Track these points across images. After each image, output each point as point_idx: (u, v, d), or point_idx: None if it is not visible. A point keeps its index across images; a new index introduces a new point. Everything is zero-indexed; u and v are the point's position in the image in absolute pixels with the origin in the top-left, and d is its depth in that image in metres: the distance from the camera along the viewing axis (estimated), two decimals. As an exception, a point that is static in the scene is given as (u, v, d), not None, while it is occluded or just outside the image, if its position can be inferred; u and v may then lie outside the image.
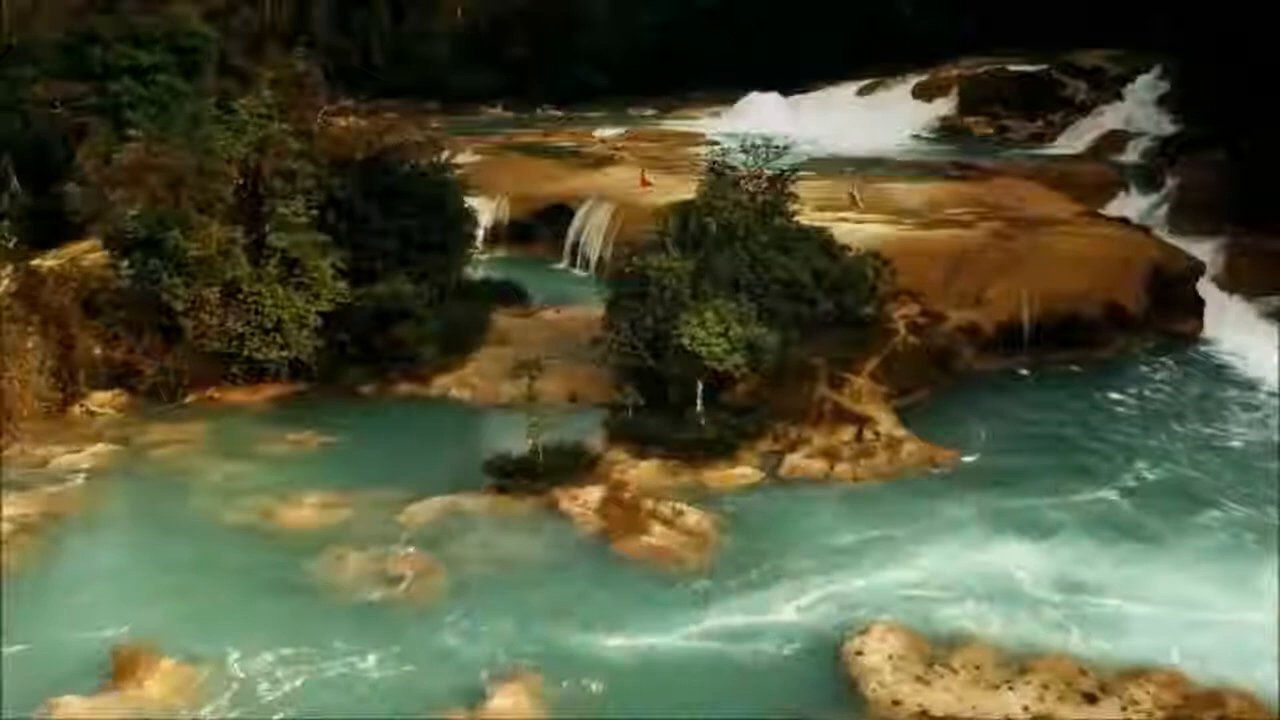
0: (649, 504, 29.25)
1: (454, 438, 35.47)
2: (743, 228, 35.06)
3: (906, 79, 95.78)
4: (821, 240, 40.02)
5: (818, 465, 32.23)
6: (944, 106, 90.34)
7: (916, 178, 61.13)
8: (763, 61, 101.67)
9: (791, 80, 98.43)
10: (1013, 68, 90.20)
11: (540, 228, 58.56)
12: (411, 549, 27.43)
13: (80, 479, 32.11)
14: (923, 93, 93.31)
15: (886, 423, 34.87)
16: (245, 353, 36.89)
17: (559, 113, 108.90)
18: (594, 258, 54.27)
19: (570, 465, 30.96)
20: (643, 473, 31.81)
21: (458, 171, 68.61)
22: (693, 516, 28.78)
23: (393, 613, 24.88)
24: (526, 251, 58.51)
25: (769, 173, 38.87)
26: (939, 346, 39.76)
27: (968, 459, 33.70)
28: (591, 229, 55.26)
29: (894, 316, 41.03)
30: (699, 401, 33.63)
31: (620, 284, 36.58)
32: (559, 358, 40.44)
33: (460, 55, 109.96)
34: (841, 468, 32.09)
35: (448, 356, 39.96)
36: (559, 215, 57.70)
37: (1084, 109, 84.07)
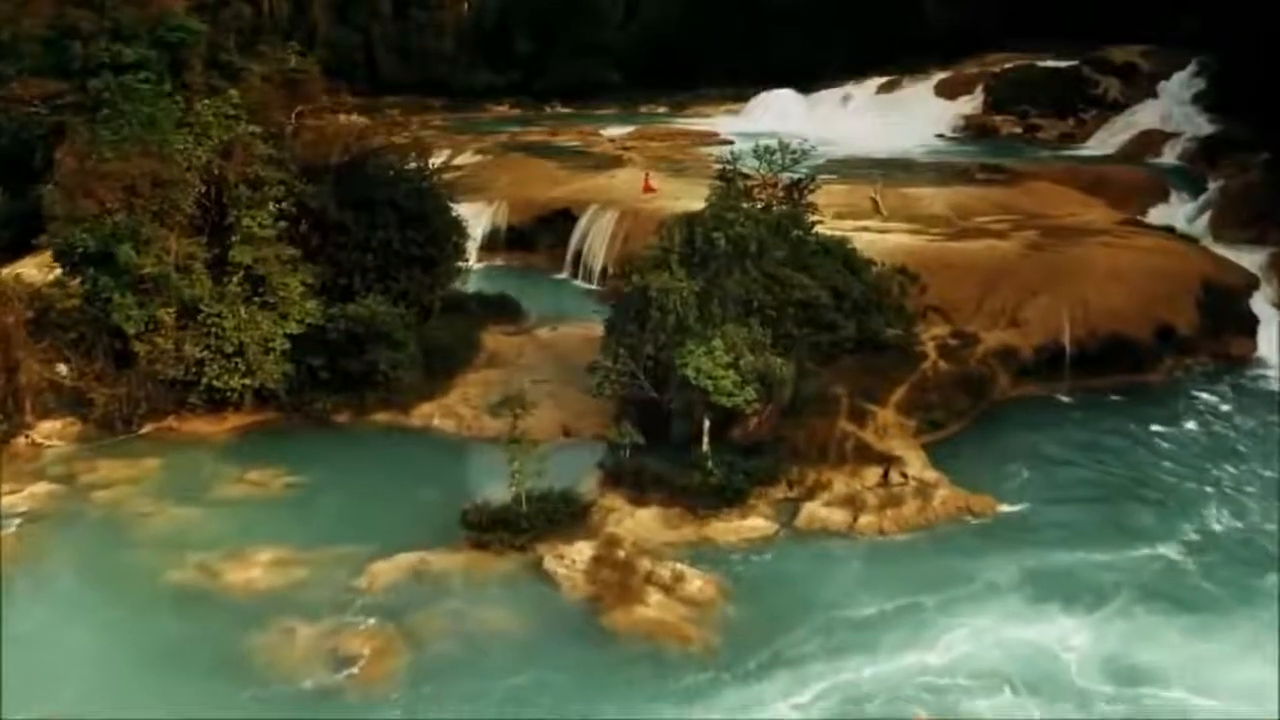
0: (646, 565, 25.61)
1: (433, 477, 31.87)
2: (756, 243, 31.35)
3: (929, 76, 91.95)
4: (843, 254, 36.35)
5: (839, 516, 28.52)
6: (969, 105, 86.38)
7: (942, 181, 57.27)
8: (779, 57, 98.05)
9: (809, 76, 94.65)
10: (1041, 64, 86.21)
11: (540, 235, 54.95)
12: (370, 620, 23.81)
13: (13, 526, 28.66)
14: (946, 90, 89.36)
15: (916, 463, 31.14)
16: (205, 380, 33.30)
17: (567, 110, 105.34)
18: (596, 268, 50.69)
19: (558, 516, 27.34)
20: (640, 524, 28.14)
21: (455, 174, 65.48)
22: (695, 581, 25.12)
23: (339, 703, 21.29)
24: (525, 260, 54.96)
25: (785, 180, 35.15)
26: (972, 373, 35.96)
27: (1006, 508, 29.90)
28: (595, 237, 51.65)
29: (922, 338, 37.35)
30: (705, 440, 29.99)
31: (619, 305, 32.84)
32: (553, 383, 36.96)
33: (466, 50, 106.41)
34: (866, 519, 28.36)
35: (431, 382, 36.48)
36: (561, 222, 54.11)
37: (1117, 107, 79.99)
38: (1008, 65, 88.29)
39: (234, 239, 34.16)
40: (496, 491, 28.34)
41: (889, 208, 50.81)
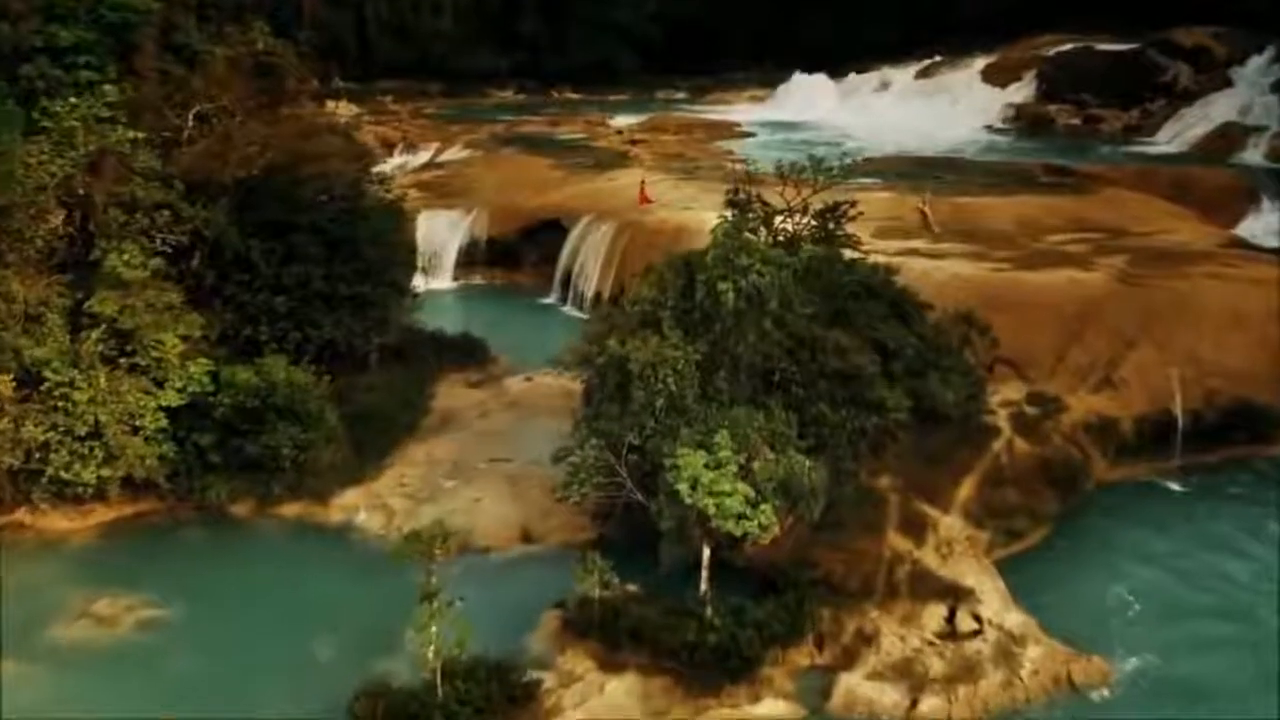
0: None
1: (338, 612, 23.62)
2: (777, 296, 22.98)
3: (974, 60, 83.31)
4: (891, 297, 28.02)
5: (890, 696, 20.22)
6: (1020, 92, 77.76)
7: (1001, 186, 48.61)
8: (809, 38, 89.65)
9: (841, 60, 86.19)
10: (1099, 47, 77.36)
11: (526, 249, 46.93)
12: None
13: None
14: (994, 76, 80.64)
15: (993, 598, 22.87)
16: (51, 470, 25.29)
17: (577, 95, 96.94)
18: (589, 292, 42.55)
19: (490, 703, 19.12)
20: (611, 706, 19.96)
21: (435, 173, 57.48)
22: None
23: None
24: (509, 278, 46.98)
25: (816, 202, 26.87)
26: (1059, 457, 27.57)
27: (1123, 667, 21.56)
28: (587, 254, 43.49)
29: (992, 404, 29.00)
30: (704, 575, 21.80)
31: (593, 373, 24.65)
32: (518, 462, 28.86)
33: (467, 30, 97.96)
34: (930, 703, 20.04)
35: (360, 459, 28.50)
36: (549, 234, 45.96)
37: (1187, 97, 71.28)
38: (1062, 48, 79.67)
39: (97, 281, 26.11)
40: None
41: (940, 220, 42.36)
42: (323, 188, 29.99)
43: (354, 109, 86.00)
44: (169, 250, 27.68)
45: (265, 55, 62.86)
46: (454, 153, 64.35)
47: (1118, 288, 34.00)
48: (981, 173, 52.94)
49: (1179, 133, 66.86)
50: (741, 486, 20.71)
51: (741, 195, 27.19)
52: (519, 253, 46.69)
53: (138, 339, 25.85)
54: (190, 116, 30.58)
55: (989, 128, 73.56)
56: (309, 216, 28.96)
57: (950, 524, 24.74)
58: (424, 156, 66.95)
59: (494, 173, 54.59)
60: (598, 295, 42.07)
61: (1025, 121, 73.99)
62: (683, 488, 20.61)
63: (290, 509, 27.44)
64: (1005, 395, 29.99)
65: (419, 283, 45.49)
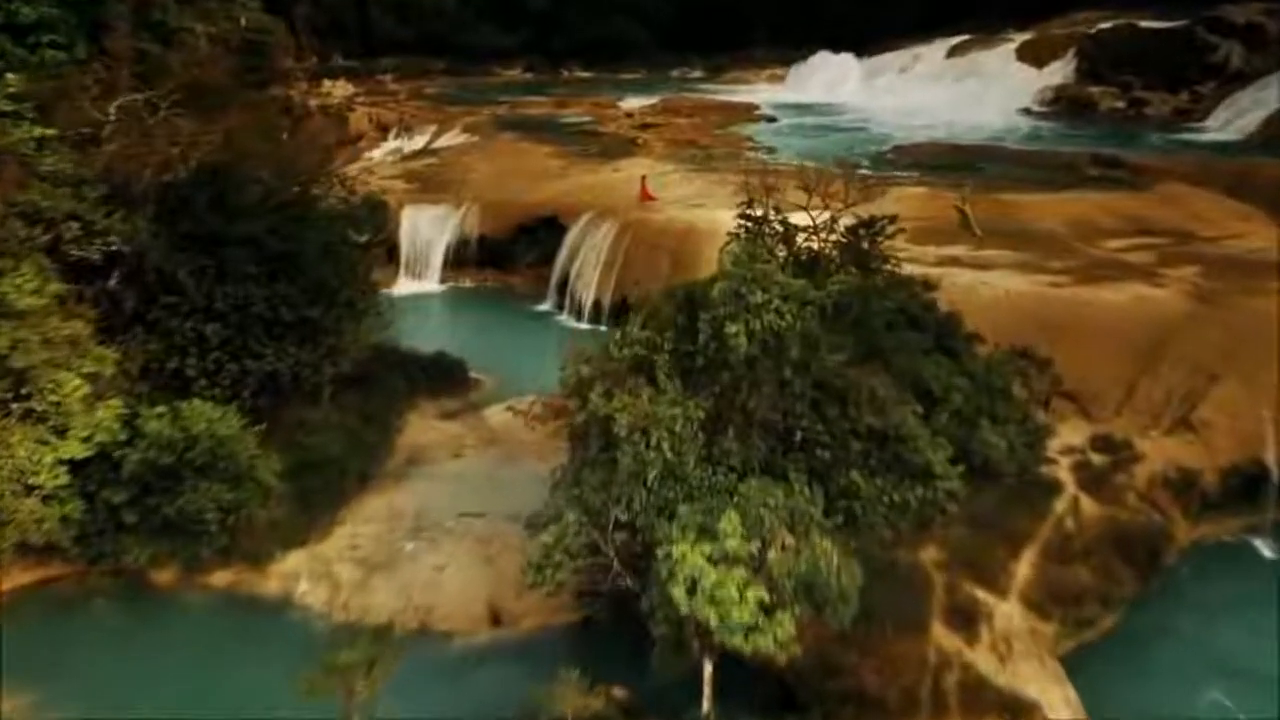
0: None
1: (265, 714, 19.43)
2: (799, 338, 18.51)
3: (1008, 37, 78.54)
4: (934, 325, 23.54)
5: None
6: (1059, 73, 72.95)
7: (1048, 181, 43.96)
8: (833, 14, 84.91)
9: (867, 37, 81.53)
10: (1144, 24, 72.40)
11: (520, 249, 42.45)
12: None
13: None
14: (1030, 55, 75.89)
15: (1061, 710, 18.45)
16: (-76, 535, 21.15)
17: (587, 74, 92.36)
18: (587, 301, 38.12)
19: None
20: None
21: (428, 161, 53.02)
22: None
23: None
24: (502, 280, 42.54)
25: (845, 217, 22.32)
26: (1137, 522, 23.00)
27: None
28: (586, 257, 39.01)
29: (1050, 450, 24.47)
30: (706, 694, 17.43)
31: (572, 436, 20.25)
32: (490, 515, 24.51)
33: (471, 6, 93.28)
34: None
35: (306, 514, 24.14)
36: (546, 233, 41.47)
37: (1240, 78, 66.32)
38: (1103, 26, 74.90)
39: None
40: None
41: (982, 221, 37.68)
42: (265, 193, 25.51)
43: (351, 88, 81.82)
44: (82, 269, 23.31)
45: (252, 33, 58.37)
46: (451, 137, 59.99)
47: (1193, 308, 29.30)
48: (1024, 164, 48.21)
49: (1232, 118, 62.03)
50: (753, 589, 16.32)
51: (756, 208, 22.52)
52: (513, 252, 42.29)
53: (32, 380, 21.53)
54: (112, 109, 26.03)
55: (1026, 111, 68.80)
56: (246, 227, 24.50)
57: (1008, 613, 20.27)
58: (420, 140, 62.64)
59: (490, 161, 50.20)
60: (596, 304, 37.75)
61: (1065, 104, 69.18)
62: (678, 592, 16.24)
63: (220, 577, 23.15)
64: (1065, 439, 25.46)
65: (401, 286, 41.66)
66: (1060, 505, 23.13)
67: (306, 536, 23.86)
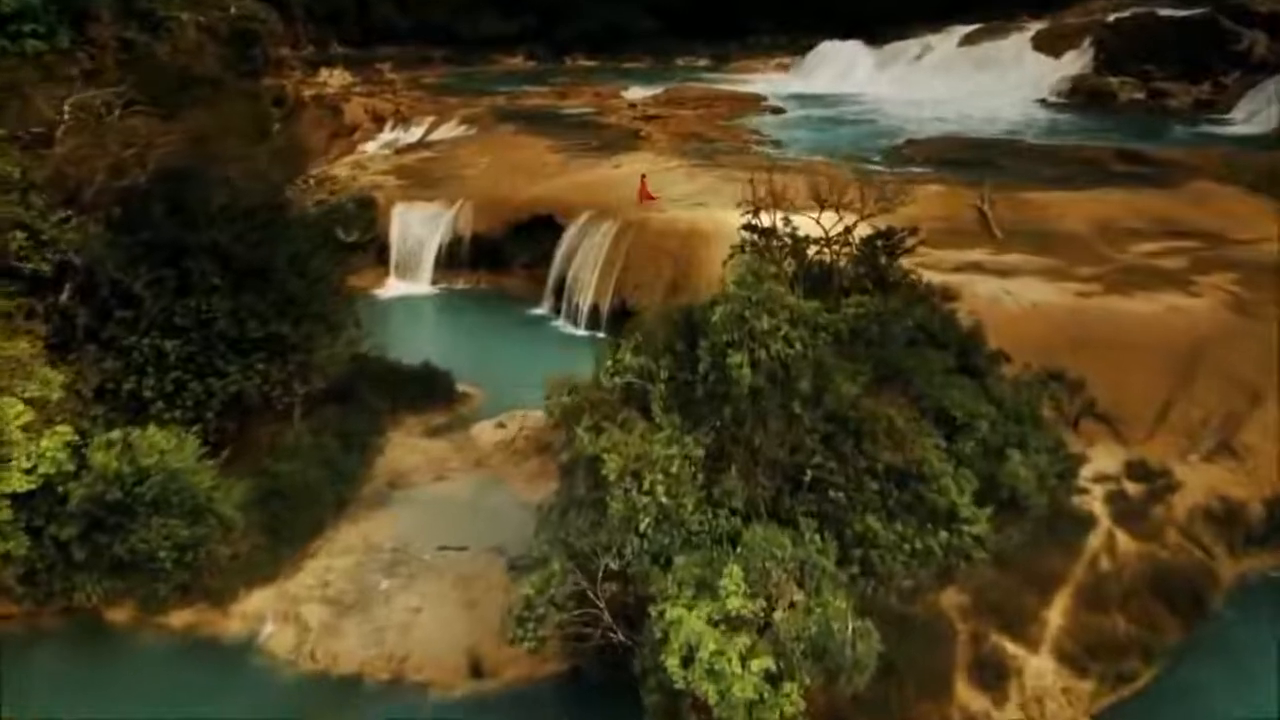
0: None
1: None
2: (811, 368, 16.56)
3: (1023, 26, 76.32)
4: (958, 342, 21.56)
5: None
6: (1076, 63, 70.63)
7: (1069, 178, 41.86)
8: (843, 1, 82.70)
9: (878, 25, 79.31)
10: (1164, 12, 70.06)
11: (515, 249, 40.37)
12: None
13: None
14: (1047, 44, 73.57)
15: (1101, 784, 16.57)
16: None
17: (591, 63, 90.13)
18: (584, 306, 36.15)
19: None
20: None
21: (422, 155, 50.97)
22: None
23: None
24: (496, 282, 40.53)
25: (856, 227, 20.30)
26: (1179, 564, 21.02)
27: None
28: (584, 259, 37.00)
29: (1082, 480, 22.51)
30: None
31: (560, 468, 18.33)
32: (474, 550, 22.59)
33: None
34: None
35: (273, 548, 22.21)
36: (542, 232, 39.40)
37: (1264, 68, 63.99)
38: (1121, 14, 72.53)
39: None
40: None
41: (1003, 221, 35.68)
42: (232, 197, 23.56)
43: (348, 77, 79.76)
44: (30, 282, 21.46)
45: (243, 21, 56.33)
46: (448, 129, 57.97)
47: (1232, 320, 27.30)
48: (1044, 159, 46.06)
49: (1256, 110, 59.81)
50: (757, 658, 14.42)
51: (763, 216, 20.51)
52: (507, 253, 40.25)
53: (-32, 405, 19.70)
54: (67, 106, 24.07)
55: (1042, 102, 66.59)
56: (210, 235, 22.56)
57: (1040, 668, 18.35)
58: (416, 132, 60.62)
59: (487, 155, 48.17)
60: (594, 308, 35.77)
61: (1083, 95, 66.90)
62: (672, 663, 14.35)
63: (180, 616, 21.25)
64: (1097, 464, 23.50)
65: (391, 287, 39.77)
66: (1094, 542, 21.21)
67: (274, 572, 21.95)
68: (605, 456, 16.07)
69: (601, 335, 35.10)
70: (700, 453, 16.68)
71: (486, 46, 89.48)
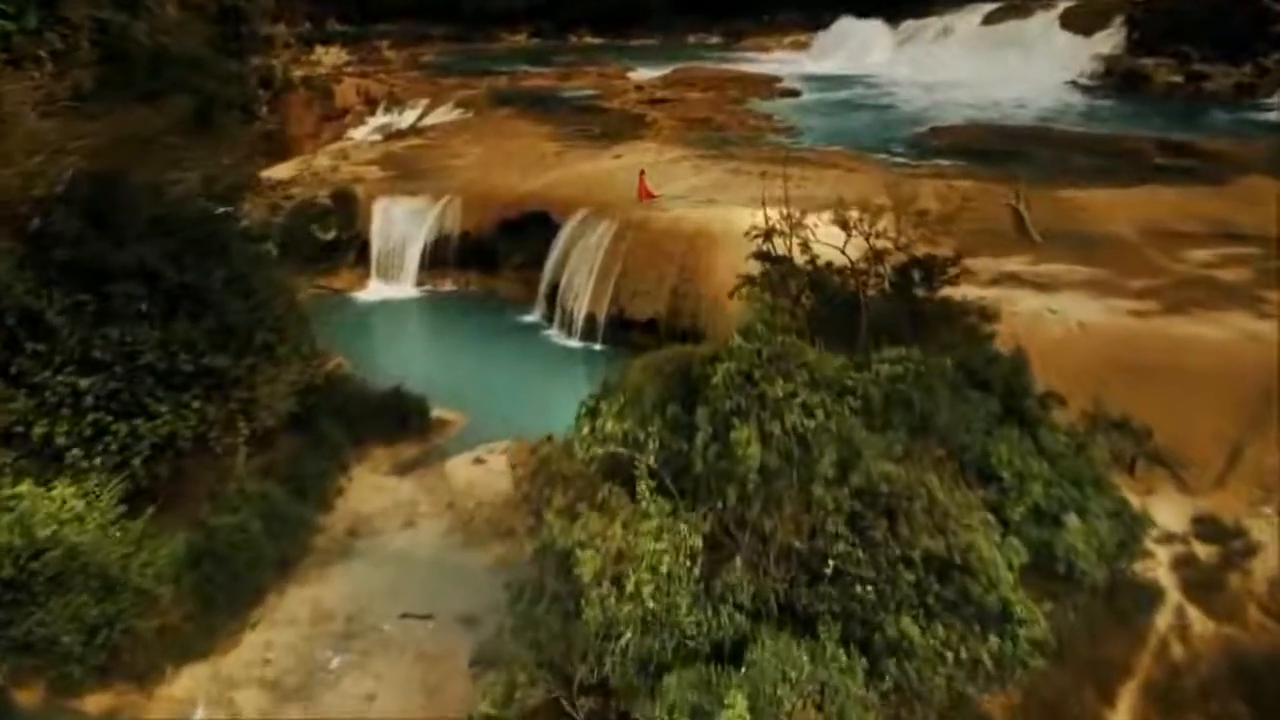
0: None
1: None
2: (836, 443, 13.39)
3: (1051, 3, 72.63)
4: (1003, 380, 18.32)
5: None
6: (1107, 42, 66.95)
7: (1110, 172, 38.49)
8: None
9: (895, 1, 75.74)
10: (1201, -11, 66.19)
11: (507, 248, 37.23)
12: None
13: None
14: (1076, 22, 69.91)
15: None
16: None
17: (598, 40, 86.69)
18: (579, 313, 33.04)
19: None
20: None
21: (411, 143, 47.72)
22: None
23: None
24: (485, 284, 37.41)
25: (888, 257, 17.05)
26: (1260, 652, 17.84)
27: None
28: (580, 261, 33.84)
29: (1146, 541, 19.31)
30: None
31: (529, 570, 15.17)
32: (440, 620, 19.53)
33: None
34: None
35: (206, 617, 19.18)
36: (536, 230, 36.23)
37: (1312, 50, 60.53)
38: (1156, -9, 68.45)
39: None
40: None
41: (1039, 222, 32.38)
42: (166, 209, 20.43)
43: (344, 56, 76.44)
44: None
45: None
46: (442, 113, 54.77)
47: (1311, 346, 24.03)
48: (1079, 149, 42.65)
49: (1303, 95, 56.37)
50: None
51: (776, 238, 17.25)
52: (498, 253, 37.10)
53: None
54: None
55: (1072, 84, 62.94)
56: (135, 255, 19.44)
57: (1107, 790, 15.28)
58: (410, 115, 57.43)
59: (480, 143, 44.95)
60: (590, 318, 32.67)
61: (1116, 78, 63.31)
62: (661, 835, 11.29)
63: (97, 701, 18.27)
64: (1160, 518, 20.24)
65: (371, 290, 36.77)
66: (1163, 622, 18.05)
67: (208, 647, 18.92)
68: (579, 553, 12.96)
69: (598, 347, 32.13)
70: (698, 541, 13.55)
71: (489, 23, 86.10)
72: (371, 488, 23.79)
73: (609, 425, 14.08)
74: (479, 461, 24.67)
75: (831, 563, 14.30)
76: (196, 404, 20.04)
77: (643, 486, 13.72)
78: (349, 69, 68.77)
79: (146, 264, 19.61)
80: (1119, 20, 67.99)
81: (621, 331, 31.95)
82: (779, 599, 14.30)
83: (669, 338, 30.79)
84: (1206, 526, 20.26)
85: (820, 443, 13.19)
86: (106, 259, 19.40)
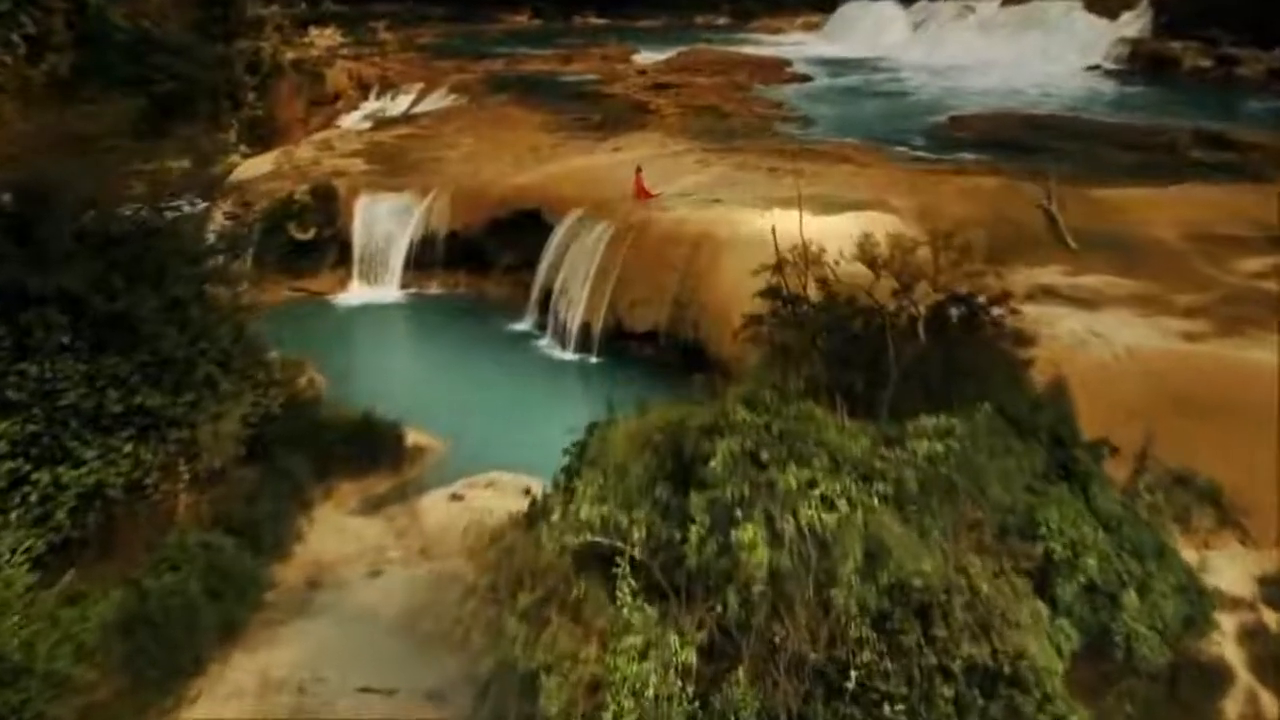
0: None
1: None
2: (861, 541, 10.97)
3: (1075, -19, 69.71)
4: (1048, 430, 15.86)
5: None
6: (1133, 24, 64.22)
7: (1145, 167, 35.94)
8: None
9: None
10: (1230, -32, 63.29)
11: (497, 248, 34.79)
12: None
13: None
14: (1100, 3, 66.93)
15: None
16: None
17: (602, 20, 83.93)
18: (574, 322, 30.59)
19: None
20: None
21: (399, 133, 45.11)
22: None
23: None
24: (475, 287, 34.99)
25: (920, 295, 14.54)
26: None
27: None
28: (575, 266, 31.38)
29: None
30: None
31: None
32: (405, 696, 17.15)
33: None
34: None
35: (138, 694, 16.77)
36: (528, 229, 33.77)
37: (1347, 33, 57.69)
38: (1183, -30, 65.58)
39: None
40: None
41: (1073, 224, 29.86)
42: (94, 225, 17.96)
43: (339, 38, 73.79)
44: None
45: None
46: (436, 99, 52.25)
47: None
48: (1109, 141, 40.07)
49: (1338, 81, 53.56)
50: None
51: (789, 270, 14.73)
52: (488, 253, 34.65)
53: None
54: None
55: (1096, 68, 60.14)
56: (57, 279, 17.01)
57: None
58: (403, 101, 54.94)
59: (471, 134, 42.45)
60: (585, 328, 30.21)
61: (1142, 62, 60.58)
62: None
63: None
64: (1222, 579, 17.86)
65: (353, 293, 34.37)
66: (1233, 709, 15.64)
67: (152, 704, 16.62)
68: (544, 678, 10.54)
69: (594, 360, 29.71)
70: (691, 657, 11.13)
71: (489, 3, 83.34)
72: (334, 530, 21.34)
73: (585, 510, 11.64)
74: (456, 498, 22.28)
75: (854, 674, 11.88)
76: (128, 448, 17.59)
77: (624, 589, 11.29)
78: (343, 51, 66.20)
79: (71, 291, 17.14)
80: (1145, 1, 65.19)
81: (619, 343, 29.60)
82: (790, 715, 11.89)
83: (670, 350, 28.59)
84: (1275, 589, 17.81)
85: (843, 543, 10.73)
86: (24, 285, 16.95)
